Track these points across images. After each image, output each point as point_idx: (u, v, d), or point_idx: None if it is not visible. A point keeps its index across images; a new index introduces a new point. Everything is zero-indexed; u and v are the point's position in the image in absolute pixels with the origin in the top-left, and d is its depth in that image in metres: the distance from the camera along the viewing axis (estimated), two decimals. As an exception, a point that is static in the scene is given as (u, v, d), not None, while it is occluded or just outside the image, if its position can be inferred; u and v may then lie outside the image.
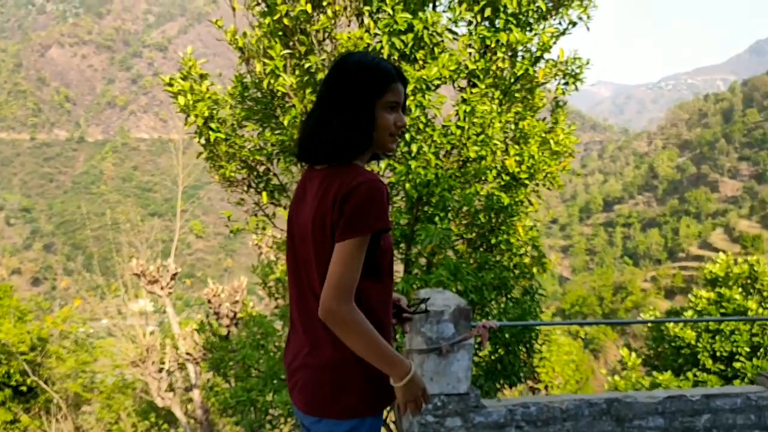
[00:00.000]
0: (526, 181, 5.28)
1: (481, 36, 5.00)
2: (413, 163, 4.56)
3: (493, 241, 5.63)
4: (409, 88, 4.50)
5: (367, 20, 4.95)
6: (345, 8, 4.76)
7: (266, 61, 4.67)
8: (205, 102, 5.28)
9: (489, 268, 5.44)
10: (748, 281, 14.94)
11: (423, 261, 5.40)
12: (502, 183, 5.29)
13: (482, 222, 5.41)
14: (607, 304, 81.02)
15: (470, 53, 5.01)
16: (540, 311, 5.41)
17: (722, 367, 14.13)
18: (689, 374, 14.45)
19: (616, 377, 15.75)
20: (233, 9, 4.95)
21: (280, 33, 4.94)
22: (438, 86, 5.04)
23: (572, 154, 5.49)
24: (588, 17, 5.21)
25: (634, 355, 16.16)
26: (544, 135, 5.38)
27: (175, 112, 5.74)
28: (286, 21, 4.68)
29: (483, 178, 5.12)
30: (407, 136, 4.63)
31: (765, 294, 14.59)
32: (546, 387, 15.11)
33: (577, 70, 5.54)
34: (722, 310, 14.26)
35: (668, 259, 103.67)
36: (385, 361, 1.71)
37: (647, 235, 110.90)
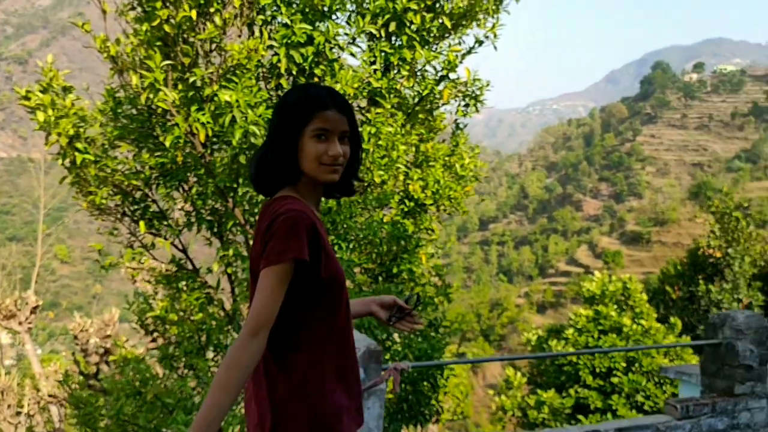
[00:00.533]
0: (431, 207, 5.00)
1: (383, 52, 4.71)
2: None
3: (394, 270, 5.29)
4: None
5: (259, 31, 4.49)
6: (235, 17, 4.28)
7: (144, 73, 4.08)
8: (69, 119, 4.57)
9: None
10: (622, 298, 15.69)
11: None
12: (406, 209, 4.99)
13: (384, 251, 5.07)
14: (485, 320, 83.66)
15: (374, 70, 4.68)
16: (446, 343, 5.13)
17: (601, 383, 14.66)
18: (571, 391, 14.88)
19: (503, 397, 15.97)
20: (104, 12, 4.30)
21: (160, 42, 4.37)
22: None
23: (478, 178, 5.30)
24: (495, 36, 5.07)
25: (519, 374, 16.50)
26: (447, 158, 5.15)
27: (33, 129, 4.97)
28: (166, 28, 4.12)
29: (386, 204, 4.79)
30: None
31: (637, 310, 15.36)
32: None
33: (478, 92, 5.38)
34: (600, 327, 14.85)
35: (539, 275, 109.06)
36: (208, 418, 1.54)
37: (520, 252, 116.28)
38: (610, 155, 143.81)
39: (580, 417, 14.24)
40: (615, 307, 15.16)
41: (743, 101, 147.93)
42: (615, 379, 14.32)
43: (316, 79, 4.63)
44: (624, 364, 14.32)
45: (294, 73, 4.48)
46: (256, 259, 1.68)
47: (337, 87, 4.17)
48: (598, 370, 14.55)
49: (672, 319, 16.09)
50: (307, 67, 4.42)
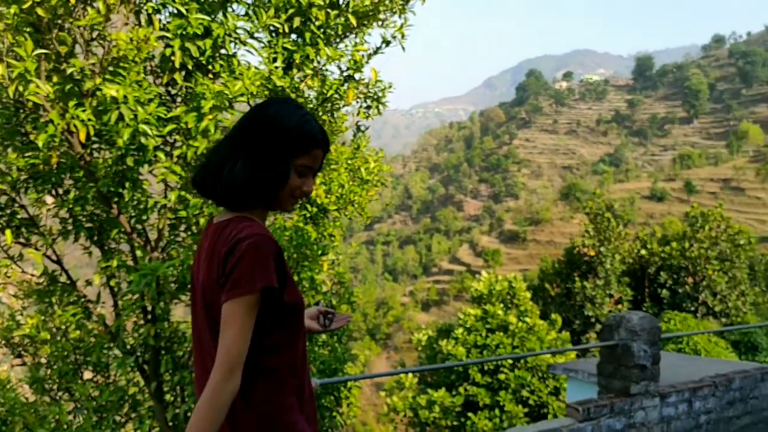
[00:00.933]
0: (335, 213, 4.78)
1: (285, 49, 4.42)
2: (209, 194, 3.80)
3: (295, 278, 5.01)
4: (208, 105, 3.74)
5: (147, 19, 4.08)
6: (121, 2, 3.84)
7: (12, 62, 3.57)
8: None
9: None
10: (508, 296, 16.22)
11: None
12: (308, 215, 4.74)
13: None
14: (371, 319, 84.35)
15: (276, 67, 4.38)
16: (351, 355, 4.94)
17: (489, 380, 15.06)
18: (461, 389, 15.18)
19: (395, 398, 16.02)
20: (-39, -11, 3.72)
21: (30, 28, 3.85)
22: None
23: (384, 182, 5.14)
24: (403, 36, 4.93)
25: (410, 374, 16.62)
26: (349, 162, 4.94)
27: None
28: (39, 12, 3.62)
29: (288, 209, 4.52)
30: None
31: (522, 308, 15.94)
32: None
33: (380, 94, 5.22)
34: (488, 326, 15.26)
35: (423, 273, 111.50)
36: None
37: (404, 251, 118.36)
38: (489, 157, 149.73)
39: (470, 414, 14.56)
40: (501, 305, 15.64)
41: (607, 109, 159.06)
42: (502, 376, 14.76)
43: (210, 76, 4.28)
44: (510, 361, 14.79)
45: (190, 67, 4.10)
46: (211, 286, 1.58)
47: (239, 84, 3.85)
48: (486, 367, 14.93)
49: (553, 315, 16.83)
50: (204, 62, 4.07)
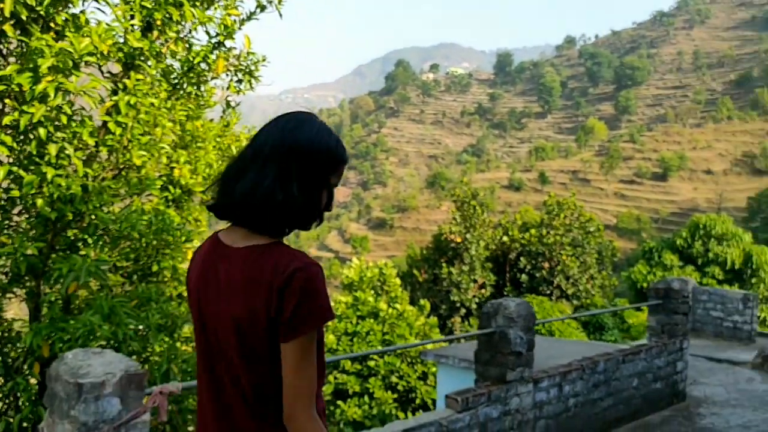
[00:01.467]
0: (202, 195, 4.32)
1: (143, 7, 3.87)
2: (50, 171, 3.21)
3: (154, 268, 4.52)
4: (46, 64, 3.15)
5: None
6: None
7: None
8: None
9: (149, 302, 4.33)
10: (379, 283, 16.23)
11: (61, 302, 4.02)
12: (171, 197, 4.24)
13: (142, 246, 4.27)
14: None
15: (133, 27, 3.84)
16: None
17: (359, 367, 15.00)
18: (330, 377, 15.00)
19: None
20: None
21: None
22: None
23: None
24: (280, 1, 4.50)
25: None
26: (218, 140, 4.49)
27: None
28: None
29: (147, 190, 3.99)
30: (41, 131, 3.24)
31: (392, 294, 16.01)
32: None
33: (253, 67, 4.79)
34: (359, 312, 15.17)
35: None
36: None
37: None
38: (358, 145, 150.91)
39: (339, 403, 14.42)
40: (372, 292, 15.62)
41: (470, 101, 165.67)
42: (372, 363, 14.75)
43: (53, 35, 3.67)
44: (380, 347, 14.80)
45: (24, 18, 3.45)
46: (253, 317, 1.50)
47: (85, 42, 3.29)
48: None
49: (421, 301, 17.09)
50: (43, 13, 3.45)
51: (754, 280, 24.74)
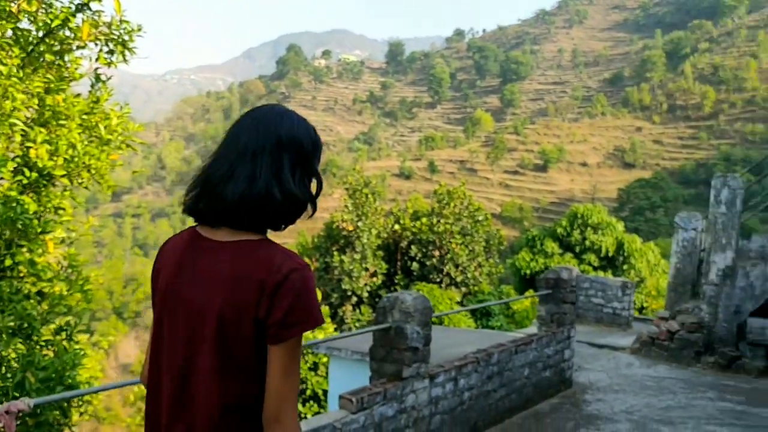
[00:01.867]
0: (63, 180, 3.78)
1: (-11, -42, 3.28)
2: None
3: (8, 262, 3.94)
4: None
5: None
6: None
7: None
8: None
9: (1, 302, 3.76)
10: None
11: None
12: (26, 182, 3.67)
13: (-8, 237, 3.69)
14: (118, 297, 78.74)
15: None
16: (83, 354, 4.00)
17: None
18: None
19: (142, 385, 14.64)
20: None
21: None
22: None
23: (131, 144, 4.19)
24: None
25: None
26: (85, 117, 3.95)
27: None
28: None
29: (-5, 174, 3.41)
30: None
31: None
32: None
33: (126, 37, 4.27)
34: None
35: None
36: None
37: (157, 225, 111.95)
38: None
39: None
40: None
41: (362, 89, 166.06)
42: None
43: None
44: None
45: None
46: (239, 314, 1.43)
47: None
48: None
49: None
50: None
51: (625, 267, 26.35)
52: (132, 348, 66.16)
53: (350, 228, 22.08)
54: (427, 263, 23.27)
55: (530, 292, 21.52)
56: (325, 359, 14.13)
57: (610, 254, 26.14)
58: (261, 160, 1.50)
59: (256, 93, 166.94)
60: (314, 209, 1.61)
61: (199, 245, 1.55)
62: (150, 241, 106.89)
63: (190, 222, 1.66)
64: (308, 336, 14.66)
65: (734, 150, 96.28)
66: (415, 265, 23.33)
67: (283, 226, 1.56)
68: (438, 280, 23.49)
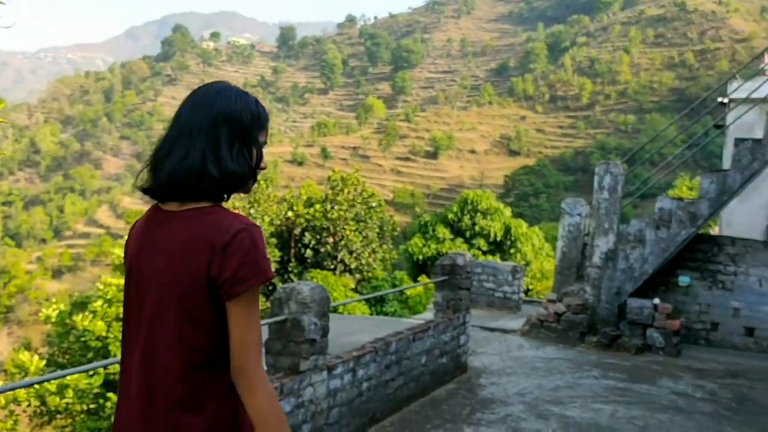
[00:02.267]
0: None
1: None
2: None
3: None
4: None
5: None
6: None
7: None
8: None
9: None
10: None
11: None
12: None
13: None
14: (-14, 291, 72.82)
15: None
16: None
17: (133, 354, 13.77)
18: (100, 369, 13.57)
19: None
20: None
21: None
22: None
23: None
24: None
25: (36, 357, 14.27)
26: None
27: None
28: None
29: None
30: None
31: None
32: None
33: (-15, 6, 3.78)
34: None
35: (54, 237, 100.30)
36: (284, 426, 1.57)
37: (30, 213, 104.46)
38: (132, 113, 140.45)
39: (110, 395, 13.10)
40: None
41: (253, 73, 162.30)
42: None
43: None
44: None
45: None
46: (193, 277, 1.54)
47: None
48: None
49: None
50: None
51: (512, 251, 27.39)
52: (4, 344, 61.44)
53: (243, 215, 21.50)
54: (321, 250, 23.10)
55: (423, 278, 21.88)
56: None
57: (498, 239, 27.07)
58: (197, 138, 1.60)
59: (139, 74, 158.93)
60: (254, 181, 1.70)
61: (156, 218, 1.66)
62: (23, 230, 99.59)
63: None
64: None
65: (608, 139, 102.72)
66: (309, 252, 23.09)
67: (225, 197, 1.64)
68: (332, 266, 23.38)
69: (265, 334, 4.67)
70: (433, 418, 5.55)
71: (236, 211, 1.63)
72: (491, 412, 5.83)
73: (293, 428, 4.35)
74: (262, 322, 4.62)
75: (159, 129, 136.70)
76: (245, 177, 1.64)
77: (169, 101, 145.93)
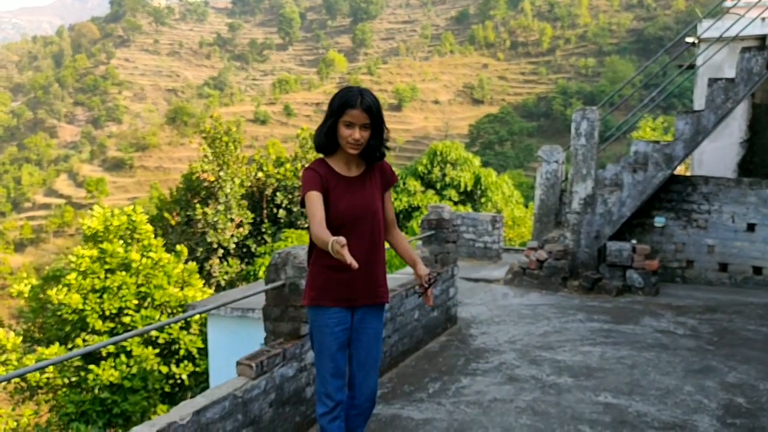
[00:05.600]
0: None
1: None
2: None
3: None
4: None
5: None
6: None
7: None
8: None
9: None
10: (128, 232, 14.68)
11: None
12: None
13: None
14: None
15: None
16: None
17: (112, 325, 13.61)
18: (78, 341, 13.40)
19: (-7, 365, 13.34)
20: None
21: None
22: None
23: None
24: None
25: (12, 334, 14.02)
26: None
27: None
28: None
29: None
30: None
31: (145, 243, 14.63)
32: None
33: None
34: (107, 266, 13.61)
35: (13, 210, 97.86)
36: (321, 240, 2.70)
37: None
38: (84, 78, 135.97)
39: (92, 367, 12.99)
40: (121, 242, 14.09)
41: (208, 31, 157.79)
42: (127, 319, 13.47)
43: None
44: (136, 301, 13.55)
45: None
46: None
47: None
48: (108, 312, 13.42)
49: (178, 247, 15.94)
50: None
51: (483, 200, 27.58)
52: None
53: (211, 178, 21.12)
54: (294, 209, 22.94)
55: (407, 236, 21.89)
56: (196, 317, 13.60)
57: (469, 189, 27.19)
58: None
59: (89, 37, 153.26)
60: (322, 145, 3.09)
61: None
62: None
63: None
64: (179, 295, 14.01)
65: (570, 83, 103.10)
66: (282, 213, 22.91)
67: (318, 150, 3.13)
68: (306, 225, 23.26)
69: (262, 301, 4.62)
70: (430, 371, 5.61)
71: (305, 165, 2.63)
72: (485, 362, 5.91)
73: (297, 392, 4.36)
74: (259, 289, 4.56)
75: (114, 92, 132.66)
76: (316, 141, 3.08)
77: (123, 63, 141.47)
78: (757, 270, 9.48)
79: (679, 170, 10.21)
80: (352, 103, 2.84)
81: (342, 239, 2.56)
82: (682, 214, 9.77)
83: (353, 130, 2.88)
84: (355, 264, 2.55)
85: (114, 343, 13.21)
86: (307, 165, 2.93)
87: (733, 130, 10.69)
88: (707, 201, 9.64)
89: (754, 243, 9.48)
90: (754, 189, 9.43)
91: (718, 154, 10.83)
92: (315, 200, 2.85)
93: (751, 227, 9.49)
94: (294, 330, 4.42)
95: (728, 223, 9.57)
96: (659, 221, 9.83)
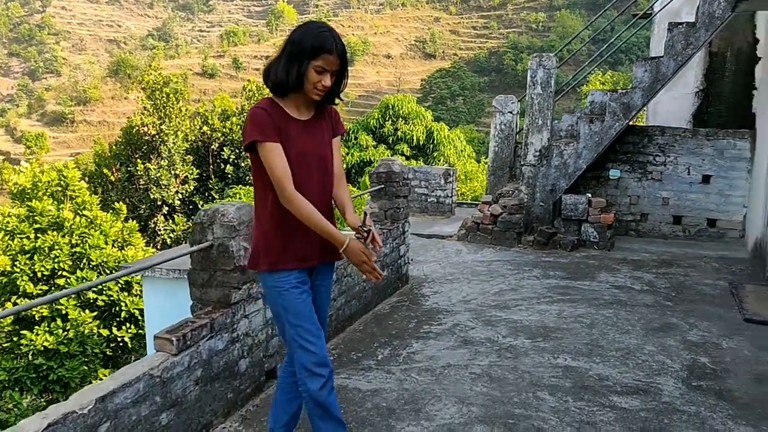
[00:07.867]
0: None
1: None
2: None
3: None
4: None
5: None
6: None
7: None
8: None
9: None
10: (59, 189, 13.75)
11: None
12: None
13: None
14: None
15: None
16: None
17: (45, 287, 12.83)
18: (8, 305, 12.59)
19: None
20: None
21: None
22: None
23: None
24: None
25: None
26: None
27: None
28: None
29: None
30: None
31: (78, 201, 13.74)
32: None
33: None
34: (37, 225, 12.74)
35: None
36: (322, 229, 2.64)
37: None
38: (19, 27, 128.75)
39: (25, 332, 12.25)
40: (52, 200, 13.19)
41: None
42: (61, 281, 12.70)
43: None
44: (70, 262, 12.76)
45: None
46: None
47: None
48: (40, 274, 12.61)
49: (116, 204, 15.09)
50: None
51: (435, 154, 27.21)
52: None
53: (153, 132, 20.07)
54: (242, 165, 22.12)
55: (351, 189, 21.39)
56: (138, 278, 12.93)
57: (421, 143, 26.77)
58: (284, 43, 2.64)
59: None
60: (285, 86, 2.64)
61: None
62: None
63: None
64: (116, 255, 13.27)
65: (521, 38, 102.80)
66: (229, 168, 22.07)
67: (274, 93, 2.67)
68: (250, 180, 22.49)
69: (188, 264, 4.10)
70: (379, 336, 5.22)
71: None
72: (438, 323, 5.55)
73: (229, 366, 3.89)
74: (184, 251, 4.03)
75: (52, 43, 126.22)
76: (278, 81, 2.61)
77: (60, 12, 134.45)
78: (711, 222, 9.37)
79: (633, 122, 9.94)
80: (329, 47, 2.51)
81: (372, 254, 2.63)
82: (638, 166, 9.55)
83: (324, 77, 2.56)
84: (382, 278, 2.70)
85: (47, 302, 12.48)
86: (258, 103, 2.63)
87: (689, 79, 10.44)
88: (663, 152, 9.42)
89: (708, 195, 9.34)
90: (711, 140, 9.24)
91: (674, 104, 10.59)
92: (278, 154, 2.54)
93: (706, 179, 9.33)
94: (224, 297, 3.92)
95: (683, 174, 9.39)
96: (614, 174, 9.59)
